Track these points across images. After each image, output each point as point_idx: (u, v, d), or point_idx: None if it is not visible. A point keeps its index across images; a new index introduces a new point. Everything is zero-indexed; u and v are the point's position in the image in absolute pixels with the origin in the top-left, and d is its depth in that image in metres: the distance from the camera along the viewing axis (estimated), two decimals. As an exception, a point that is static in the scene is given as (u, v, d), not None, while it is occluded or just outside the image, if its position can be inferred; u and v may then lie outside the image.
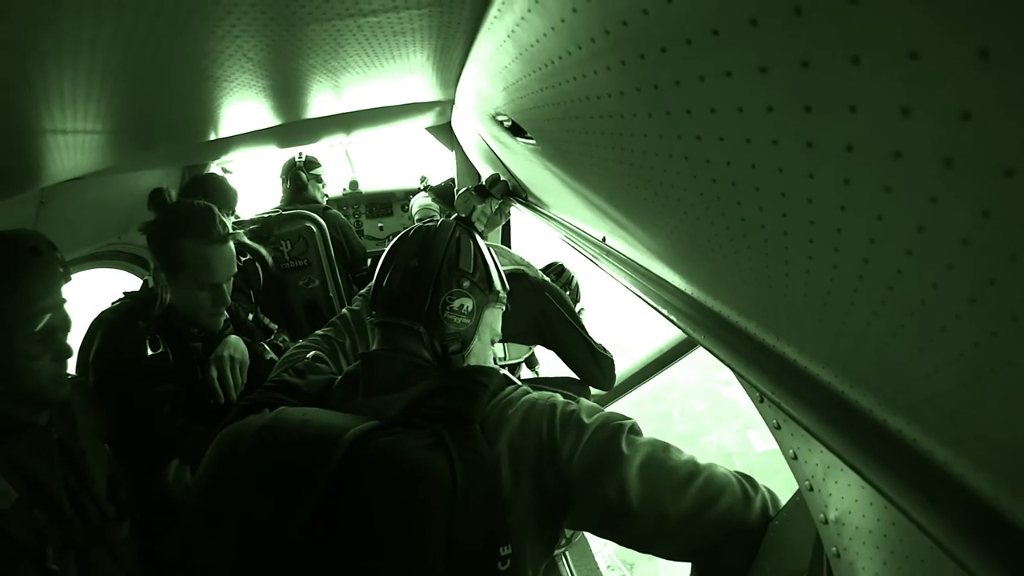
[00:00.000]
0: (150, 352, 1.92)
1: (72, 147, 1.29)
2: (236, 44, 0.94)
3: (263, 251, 3.00)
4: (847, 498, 0.73)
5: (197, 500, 1.15)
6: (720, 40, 0.40)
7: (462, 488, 1.01)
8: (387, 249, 1.43)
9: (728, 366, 0.85)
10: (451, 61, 1.41)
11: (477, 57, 1.22)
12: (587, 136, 0.80)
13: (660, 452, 1.12)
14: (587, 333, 2.42)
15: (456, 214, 2.11)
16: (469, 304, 1.35)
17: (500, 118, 1.40)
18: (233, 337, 2.15)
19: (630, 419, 1.18)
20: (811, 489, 0.80)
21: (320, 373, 1.39)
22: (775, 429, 0.86)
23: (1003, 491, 0.44)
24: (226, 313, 2.12)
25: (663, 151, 0.59)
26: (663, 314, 1.05)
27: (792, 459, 0.83)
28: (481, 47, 1.13)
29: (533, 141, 1.25)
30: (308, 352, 1.57)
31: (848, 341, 0.54)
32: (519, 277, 2.30)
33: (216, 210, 1.95)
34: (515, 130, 1.32)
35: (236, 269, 2.02)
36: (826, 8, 0.31)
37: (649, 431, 1.17)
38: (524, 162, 1.54)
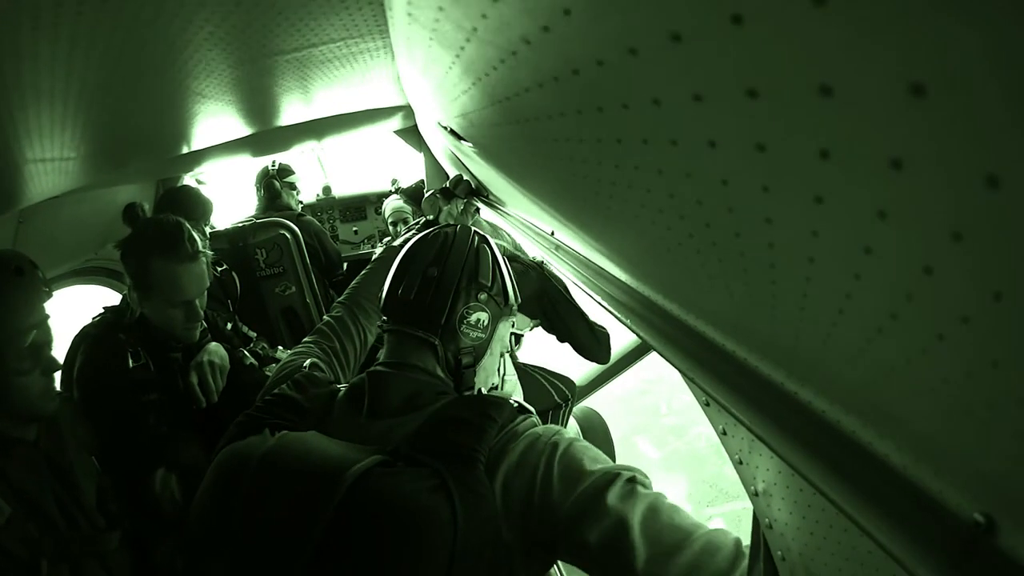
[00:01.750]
0: (132, 364, 1.94)
1: (50, 172, 1.31)
2: (203, 81, 0.98)
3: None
4: (771, 470, 0.73)
5: (199, 522, 1.14)
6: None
7: (462, 533, 0.99)
8: (403, 252, 1.39)
9: (652, 346, 0.87)
10: (395, 72, 1.45)
11: (406, 68, 1.23)
12: (510, 143, 0.82)
13: (656, 508, 1.05)
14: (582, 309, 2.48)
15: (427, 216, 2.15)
16: (485, 318, 1.33)
17: (442, 123, 1.40)
18: (213, 344, 2.18)
19: (633, 471, 1.11)
20: (740, 463, 0.81)
21: (319, 384, 1.37)
22: (705, 406, 0.86)
23: (908, 459, 0.44)
24: (204, 323, 2.15)
25: (593, 157, 0.60)
26: (596, 300, 1.06)
27: (722, 435, 0.84)
28: (400, 63, 1.16)
29: (471, 144, 1.25)
30: (305, 360, 1.53)
31: (761, 318, 0.55)
32: (518, 258, 2.32)
33: (186, 226, 1.96)
34: (456, 134, 1.32)
35: (208, 284, 2.03)
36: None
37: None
38: (474, 163, 1.56)
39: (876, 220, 0.30)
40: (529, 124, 0.61)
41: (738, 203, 0.41)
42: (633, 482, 1.09)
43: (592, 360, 2.62)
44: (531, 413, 1.26)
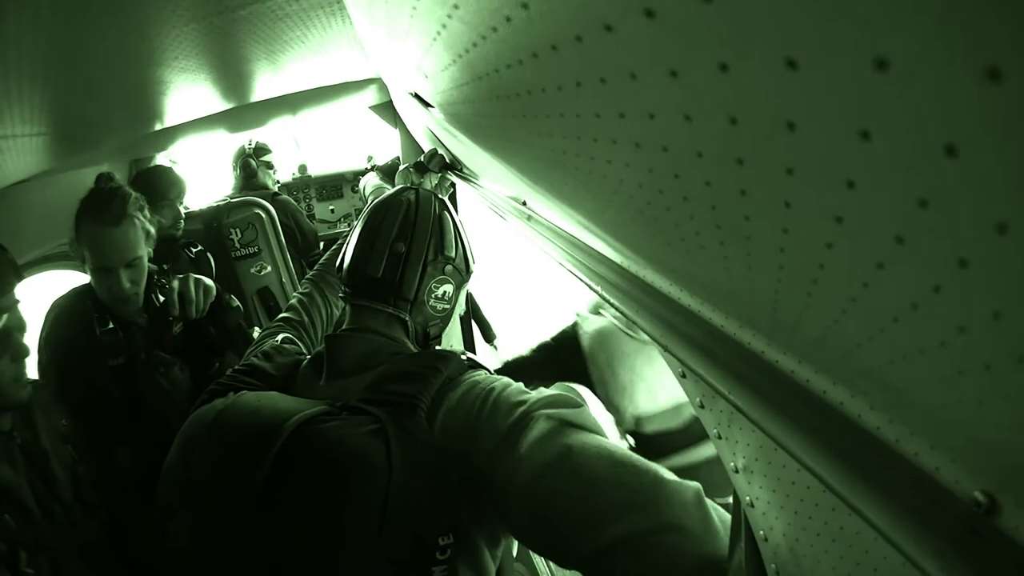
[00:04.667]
0: (99, 330, 2.01)
1: (10, 151, 1.28)
2: (171, 40, 0.96)
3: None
4: (752, 444, 0.69)
5: (167, 484, 1.18)
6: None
7: (398, 474, 1.00)
8: (364, 220, 1.40)
9: (625, 314, 0.83)
10: (357, 36, 1.42)
11: (377, 40, 1.19)
12: (490, 118, 0.80)
13: (584, 448, 1.00)
14: None
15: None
16: (451, 289, 1.37)
17: (410, 91, 1.39)
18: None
19: (574, 411, 1.07)
20: (719, 437, 0.76)
21: (288, 355, 1.40)
22: (681, 378, 0.81)
23: (901, 432, 0.42)
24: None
25: (572, 132, 0.57)
26: (568, 269, 1.04)
27: (700, 408, 0.79)
28: (368, 32, 1.13)
29: (438, 111, 1.21)
30: (277, 335, 1.56)
31: (740, 288, 0.52)
32: None
33: (122, 194, 1.99)
34: (424, 101, 1.29)
35: (131, 258, 2.02)
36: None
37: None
38: (450, 137, 1.54)
39: (846, 190, 0.29)
40: (510, 100, 0.60)
41: (713, 176, 0.40)
42: (575, 424, 1.04)
43: None
44: (484, 368, 1.27)
